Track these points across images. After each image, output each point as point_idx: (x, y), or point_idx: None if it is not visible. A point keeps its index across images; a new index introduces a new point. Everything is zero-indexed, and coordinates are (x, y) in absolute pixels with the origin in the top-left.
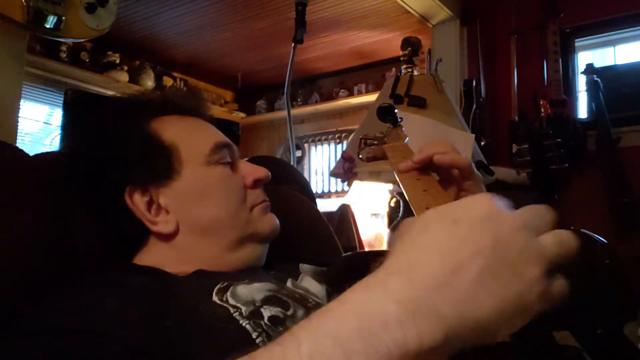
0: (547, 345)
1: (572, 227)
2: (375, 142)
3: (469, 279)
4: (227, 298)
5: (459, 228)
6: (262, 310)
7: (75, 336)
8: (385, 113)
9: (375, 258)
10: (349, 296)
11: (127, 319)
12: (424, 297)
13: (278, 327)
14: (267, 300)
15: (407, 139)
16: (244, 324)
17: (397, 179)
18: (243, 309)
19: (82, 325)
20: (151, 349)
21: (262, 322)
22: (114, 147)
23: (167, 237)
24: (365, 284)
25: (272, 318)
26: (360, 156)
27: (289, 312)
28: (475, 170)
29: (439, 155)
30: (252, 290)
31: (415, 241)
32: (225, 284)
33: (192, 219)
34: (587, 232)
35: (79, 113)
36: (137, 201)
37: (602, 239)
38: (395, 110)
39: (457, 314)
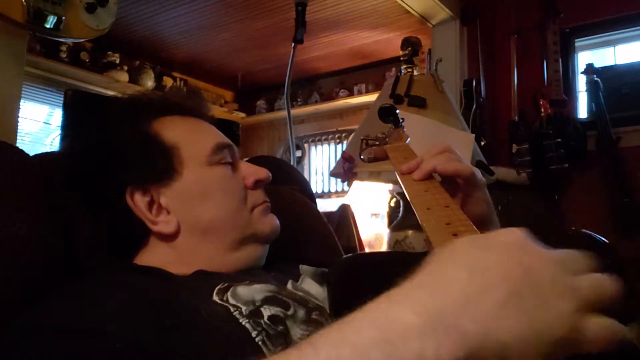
0: None
1: (573, 227)
2: (377, 143)
3: (496, 300)
4: (227, 298)
5: (489, 253)
6: (262, 309)
7: (75, 335)
8: (387, 114)
9: (376, 259)
10: (370, 306)
11: (127, 318)
12: (447, 311)
13: (278, 326)
14: (267, 300)
15: (409, 139)
16: (243, 323)
17: (399, 180)
18: (243, 308)
19: (83, 324)
20: (151, 348)
21: (262, 321)
22: (114, 147)
23: (168, 238)
24: (388, 295)
25: (272, 317)
26: (361, 157)
27: (289, 312)
28: (480, 176)
29: (441, 167)
30: (253, 291)
31: (444, 260)
32: (225, 284)
33: (193, 219)
34: (588, 231)
35: (79, 113)
36: (138, 201)
37: (603, 238)
38: (397, 111)
39: (480, 333)
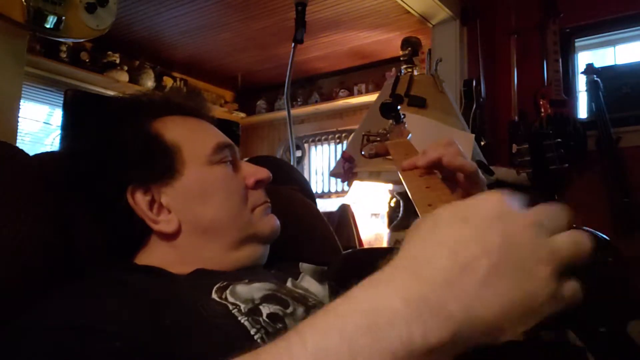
0: (555, 345)
1: (574, 225)
2: (378, 139)
3: (477, 278)
4: (226, 296)
5: (468, 226)
6: (261, 307)
7: (75, 334)
8: (388, 110)
9: (376, 255)
10: (355, 292)
11: (127, 317)
12: (431, 295)
13: (277, 324)
14: (266, 299)
15: (410, 135)
16: (242, 321)
17: (400, 176)
18: (242, 306)
19: (83, 323)
20: (151, 347)
21: (261, 319)
22: (116, 146)
23: (169, 237)
24: (372, 280)
25: (271, 315)
26: (362, 153)
27: (289, 310)
28: (481, 175)
29: (448, 158)
30: (252, 289)
31: (424, 238)
32: (224, 282)
33: (194, 218)
34: (589, 229)
35: (79, 113)
36: (139, 200)
37: (605, 236)
38: (399, 107)
39: (465, 313)
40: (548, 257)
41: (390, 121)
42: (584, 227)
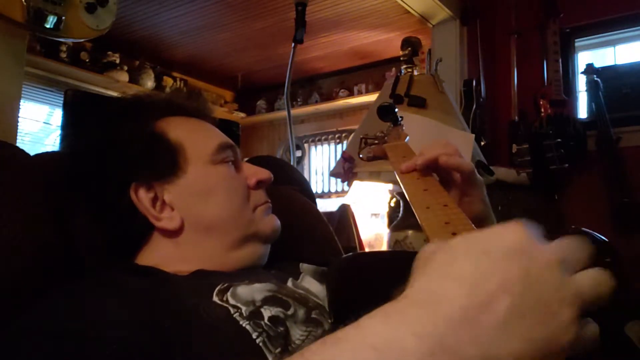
0: None
1: (573, 226)
2: (376, 142)
3: (496, 317)
4: (227, 298)
5: (487, 260)
6: (262, 310)
7: (71, 338)
8: (385, 112)
9: (375, 259)
10: (366, 323)
11: (124, 320)
12: (446, 333)
13: (278, 327)
14: (268, 301)
15: (408, 137)
16: (244, 325)
17: (398, 178)
18: (243, 309)
19: (79, 327)
20: (149, 350)
21: (262, 322)
22: (119, 144)
23: (171, 234)
24: (385, 312)
25: (272, 318)
26: (360, 155)
27: (290, 312)
28: (478, 175)
29: (445, 157)
30: (253, 291)
31: (441, 271)
32: (225, 284)
33: (196, 216)
34: (588, 230)
35: (79, 113)
36: (142, 197)
37: (603, 237)
38: (396, 110)
39: (480, 355)
40: (571, 298)
41: (388, 124)
42: (583, 228)
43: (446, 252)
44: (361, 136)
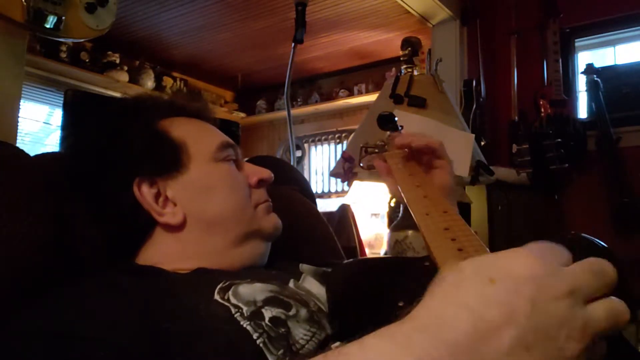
0: None
1: (573, 231)
2: (376, 151)
3: (499, 348)
4: (228, 297)
5: (494, 288)
6: (263, 310)
7: (68, 340)
8: (386, 121)
9: (376, 266)
10: (370, 342)
11: (123, 322)
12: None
13: (279, 328)
14: (269, 301)
15: None
16: (244, 325)
17: (398, 185)
18: (244, 309)
19: (77, 328)
20: (147, 351)
21: (263, 323)
22: (123, 141)
23: (174, 229)
24: (390, 333)
25: (273, 319)
26: (361, 164)
27: (291, 313)
28: (445, 150)
29: (415, 143)
30: (254, 290)
31: (447, 296)
32: (227, 283)
33: (199, 212)
34: (586, 235)
35: (80, 113)
36: (145, 192)
37: (602, 243)
38: (396, 119)
39: None
40: (581, 333)
41: (388, 132)
42: (582, 234)
43: (455, 276)
44: (361, 145)
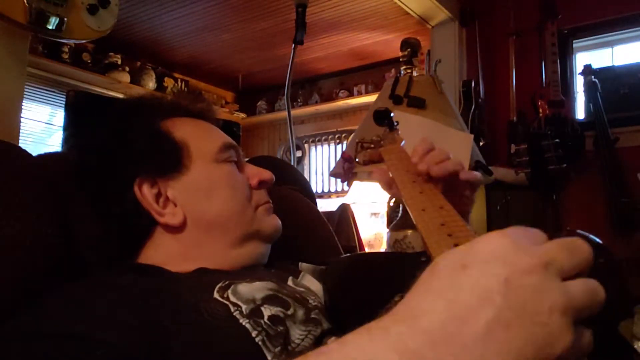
0: None
1: (568, 228)
2: (372, 146)
3: (477, 330)
4: (228, 295)
5: (465, 274)
6: (262, 309)
7: (61, 341)
8: (381, 117)
9: (373, 261)
10: (350, 339)
11: (123, 321)
12: (428, 350)
13: (278, 326)
14: (268, 300)
15: (404, 142)
16: (243, 323)
17: (395, 181)
18: (243, 307)
19: (77, 328)
20: (148, 350)
21: (262, 321)
22: (124, 141)
23: (174, 230)
24: (368, 329)
25: (272, 317)
26: (357, 159)
27: (289, 312)
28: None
29: (465, 174)
30: (253, 289)
31: (423, 287)
32: (226, 282)
33: (199, 213)
34: (583, 232)
35: (81, 114)
36: (146, 192)
37: (597, 239)
38: (392, 114)
39: None
40: (562, 305)
41: (385, 128)
42: (577, 230)
43: (430, 269)
44: (357, 140)
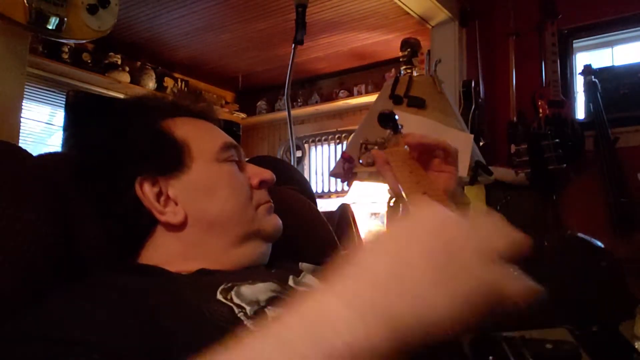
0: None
1: (569, 231)
2: (376, 148)
3: (418, 277)
4: (231, 297)
5: (405, 235)
6: (266, 310)
7: (60, 343)
8: (386, 119)
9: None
10: (305, 299)
11: (117, 324)
12: (373, 296)
13: None
14: (272, 301)
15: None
16: (248, 324)
17: (398, 182)
18: (247, 308)
19: (69, 332)
20: (145, 351)
21: (266, 323)
22: (126, 140)
23: (175, 229)
24: (319, 289)
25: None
26: (360, 161)
27: None
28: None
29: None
30: (257, 291)
31: (367, 250)
32: (229, 284)
33: (200, 212)
34: (585, 236)
35: (81, 114)
36: (147, 191)
37: (599, 242)
38: (397, 117)
39: (408, 312)
40: (484, 247)
41: (388, 130)
42: (579, 234)
43: (373, 236)
44: (361, 142)
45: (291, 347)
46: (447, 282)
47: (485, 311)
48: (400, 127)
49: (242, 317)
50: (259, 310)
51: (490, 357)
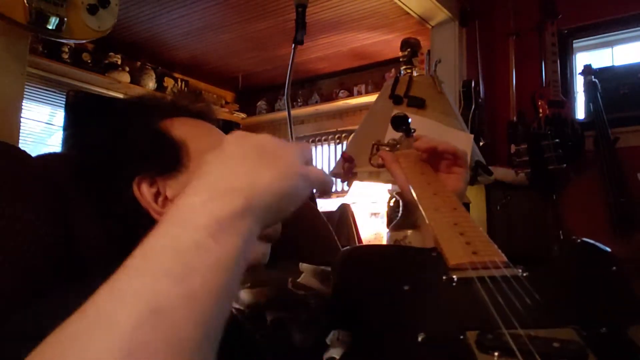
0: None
1: (574, 237)
2: (387, 149)
3: (250, 162)
4: None
5: (236, 145)
6: (265, 313)
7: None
8: (399, 123)
9: (382, 252)
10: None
11: None
12: (218, 182)
13: (280, 329)
14: (270, 304)
15: None
16: (247, 326)
17: (409, 183)
18: (246, 311)
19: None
20: None
21: (265, 325)
22: (124, 140)
23: None
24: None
25: (274, 321)
26: (371, 162)
27: (291, 315)
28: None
29: (444, 145)
30: (255, 294)
31: (207, 162)
32: None
33: None
34: (593, 242)
35: (81, 114)
36: (145, 192)
37: (606, 248)
38: (410, 120)
39: (247, 184)
40: (293, 153)
41: (401, 134)
42: (585, 239)
43: (210, 156)
44: (373, 142)
45: (156, 261)
46: (267, 169)
47: (302, 190)
48: (413, 130)
49: (241, 319)
50: (258, 313)
51: (496, 353)
